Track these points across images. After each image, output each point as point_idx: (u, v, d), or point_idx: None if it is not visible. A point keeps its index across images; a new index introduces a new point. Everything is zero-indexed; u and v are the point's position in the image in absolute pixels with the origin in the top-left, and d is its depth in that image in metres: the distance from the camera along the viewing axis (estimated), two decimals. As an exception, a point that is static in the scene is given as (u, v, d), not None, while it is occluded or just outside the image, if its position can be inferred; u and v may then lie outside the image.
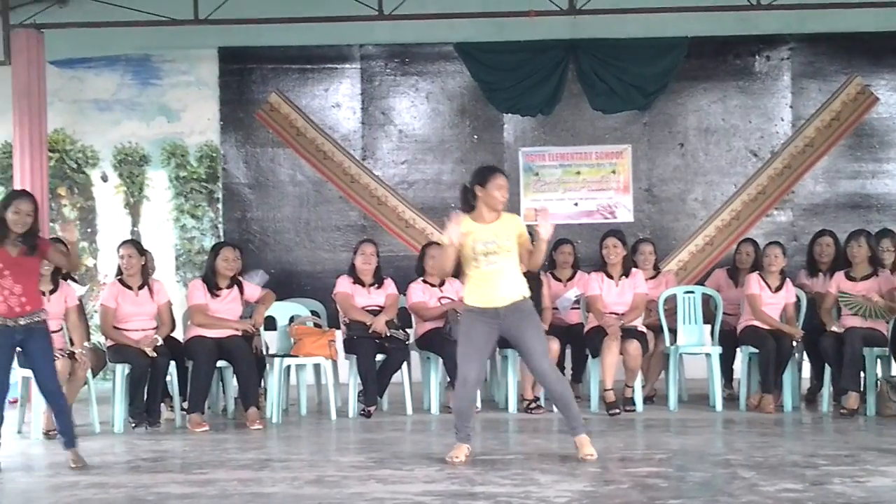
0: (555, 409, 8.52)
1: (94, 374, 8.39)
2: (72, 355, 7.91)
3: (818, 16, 10.93)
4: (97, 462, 6.75)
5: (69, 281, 8.37)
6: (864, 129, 11.40)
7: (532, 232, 6.65)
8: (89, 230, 11.37)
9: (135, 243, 8.73)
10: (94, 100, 11.42)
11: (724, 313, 9.09)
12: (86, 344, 8.11)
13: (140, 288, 8.41)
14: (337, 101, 11.52)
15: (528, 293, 6.60)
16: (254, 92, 11.47)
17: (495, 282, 6.48)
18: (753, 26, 11.13)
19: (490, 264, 6.48)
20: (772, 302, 8.80)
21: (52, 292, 7.99)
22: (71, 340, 8.13)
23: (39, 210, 6.71)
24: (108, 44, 11.10)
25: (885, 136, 11.43)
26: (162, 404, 8.44)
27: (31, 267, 6.64)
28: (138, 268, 8.44)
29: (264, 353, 8.79)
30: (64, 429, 6.69)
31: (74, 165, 11.39)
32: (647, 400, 9.05)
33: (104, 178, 11.42)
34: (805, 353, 9.12)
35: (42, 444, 7.58)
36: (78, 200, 11.38)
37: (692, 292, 9.21)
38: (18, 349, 6.65)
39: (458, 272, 9.25)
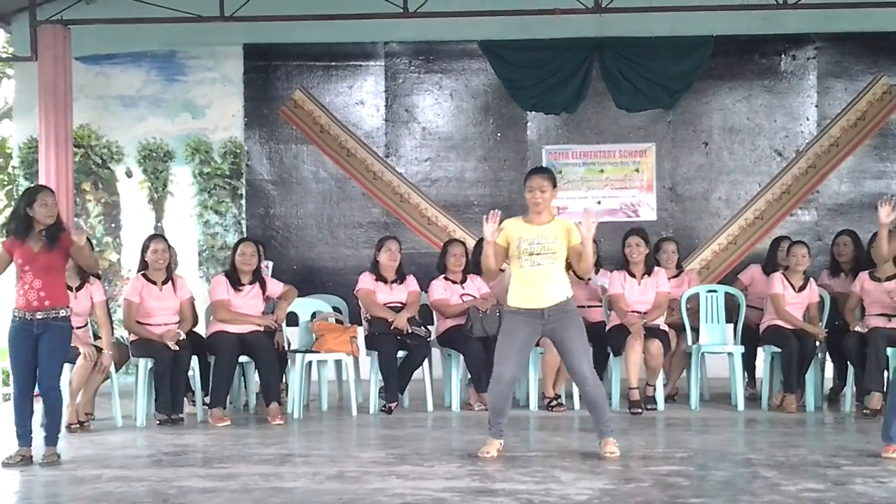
0: (576, 406, 8.54)
1: (118, 369, 8.45)
2: (98, 350, 7.97)
3: (844, 15, 10.85)
4: (119, 456, 6.80)
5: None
6: (889, 129, 11.31)
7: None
8: (113, 225, 11.40)
9: (164, 238, 8.79)
10: (119, 96, 11.45)
11: (752, 308, 9.07)
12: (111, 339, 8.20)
13: (164, 283, 8.47)
14: (361, 99, 11.52)
15: (571, 293, 6.64)
16: (278, 88, 11.49)
17: (538, 282, 6.53)
18: (779, 25, 11.06)
19: (534, 265, 6.52)
20: (795, 301, 8.76)
21: (78, 288, 8.07)
22: (95, 335, 8.21)
23: (66, 205, 6.77)
24: (134, 40, 11.12)
25: (911, 136, 11.36)
26: (184, 399, 8.48)
27: (53, 263, 6.65)
28: (166, 262, 8.49)
29: (286, 348, 8.82)
30: (50, 426, 6.72)
31: (99, 161, 11.44)
32: (669, 399, 9.03)
33: (129, 174, 11.46)
34: (828, 353, 9.08)
35: (64, 438, 7.54)
36: (102, 196, 11.41)
37: (715, 291, 9.19)
38: None
39: (478, 269, 9.35)
